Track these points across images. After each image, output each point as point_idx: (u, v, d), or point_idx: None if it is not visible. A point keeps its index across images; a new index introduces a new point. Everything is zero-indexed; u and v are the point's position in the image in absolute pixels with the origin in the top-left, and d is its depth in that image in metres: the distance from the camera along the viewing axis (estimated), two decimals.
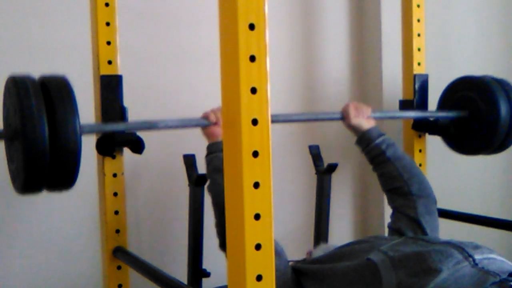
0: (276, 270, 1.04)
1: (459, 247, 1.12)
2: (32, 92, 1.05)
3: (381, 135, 1.57)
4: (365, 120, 1.61)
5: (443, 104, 1.85)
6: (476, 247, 1.13)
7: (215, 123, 1.43)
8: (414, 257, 1.12)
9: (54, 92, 1.08)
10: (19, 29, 1.67)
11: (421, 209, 1.44)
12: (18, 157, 1.08)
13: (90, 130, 1.33)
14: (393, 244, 1.21)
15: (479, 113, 1.72)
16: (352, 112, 1.60)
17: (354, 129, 1.61)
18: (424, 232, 1.41)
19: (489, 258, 1.10)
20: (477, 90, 1.74)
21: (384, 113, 1.91)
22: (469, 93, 1.76)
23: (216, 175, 1.36)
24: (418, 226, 1.42)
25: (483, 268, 1.06)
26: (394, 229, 1.46)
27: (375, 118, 1.64)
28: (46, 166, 1.05)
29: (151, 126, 1.38)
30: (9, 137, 1.13)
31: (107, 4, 1.48)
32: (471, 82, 1.77)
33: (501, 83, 1.72)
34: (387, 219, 2.27)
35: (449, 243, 1.16)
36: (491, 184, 2.54)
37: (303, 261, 1.41)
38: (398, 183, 1.50)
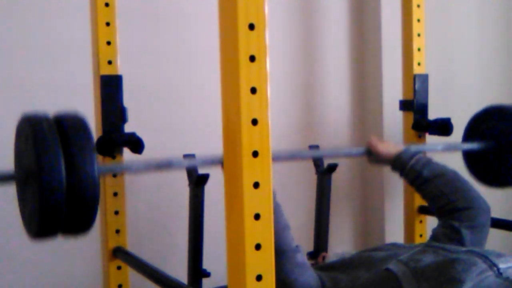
0: None
1: (482, 255, 1.08)
2: (48, 133, 1.00)
3: (413, 156, 1.50)
4: (392, 147, 1.54)
5: (469, 133, 1.82)
6: (500, 255, 1.09)
7: None
8: (436, 268, 1.08)
9: (70, 132, 1.03)
10: (19, 29, 1.67)
11: (465, 221, 1.37)
12: (32, 200, 1.02)
13: (107, 170, 1.33)
14: (412, 254, 1.17)
15: (508, 144, 1.69)
16: (375, 141, 1.55)
17: (382, 156, 1.54)
18: (463, 245, 1.34)
19: None
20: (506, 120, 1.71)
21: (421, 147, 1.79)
22: (497, 124, 1.73)
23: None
24: (457, 238, 1.35)
25: (508, 278, 1.03)
26: (433, 235, 1.41)
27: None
28: (63, 211, 1.00)
29: (170, 165, 1.30)
30: (22, 179, 1.08)
31: (107, 4, 1.48)
32: (500, 111, 1.75)
33: None
34: (387, 219, 2.28)
35: (471, 252, 1.12)
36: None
37: (316, 265, 1.39)
38: (442, 201, 1.43)
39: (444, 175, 1.46)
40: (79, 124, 1.06)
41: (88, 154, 1.02)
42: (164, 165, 1.28)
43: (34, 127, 1.01)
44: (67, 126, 1.04)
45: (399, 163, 1.50)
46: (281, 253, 1.19)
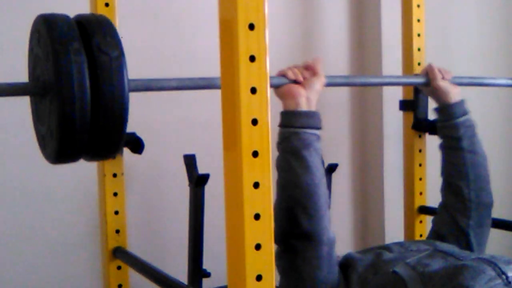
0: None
1: (491, 262, 1.07)
2: (70, 34, 0.84)
3: (465, 113, 1.45)
4: (451, 87, 1.48)
5: None
6: (509, 262, 1.08)
7: (295, 81, 1.22)
8: (444, 274, 1.06)
9: (96, 36, 0.86)
10: (18, 30, 1.67)
11: (473, 221, 1.37)
12: (50, 116, 0.87)
13: (138, 86, 1.12)
14: (420, 258, 1.16)
15: None
16: (438, 74, 1.48)
17: (438, 93, 1.48)
18: (469, 246, 1.35)
19: None
20: None
21: (472, 80, 1.69)
22: None
23: (292, 158, 1.14)
24: (464, 239, 1.36)
25: None
26: (437, 232, 1.40)
27: (460, 84, 1.53)
28: (87, 128, 0.85)
29: (207, 84, 1.20)
30: (39, 92, 0.91)
31: (107, 4, 1.48)
32: None
33: None
34: (387, 219, 2.27)
35: (480, 259, 1.11)
36: (491, 184, 2.54)
37: None
38: (460, 182, 1.41)
39: (477, 155, 1.44)
40: (106, 26, 0.90)
41: (117, 62, 0.86)
42: (198, 84, 1.21)
43: (53, 29, 0.87)
44: (92, 29, 0.87)
45: (447, 113, 1.47)
46: (309, 239, 1.11)
